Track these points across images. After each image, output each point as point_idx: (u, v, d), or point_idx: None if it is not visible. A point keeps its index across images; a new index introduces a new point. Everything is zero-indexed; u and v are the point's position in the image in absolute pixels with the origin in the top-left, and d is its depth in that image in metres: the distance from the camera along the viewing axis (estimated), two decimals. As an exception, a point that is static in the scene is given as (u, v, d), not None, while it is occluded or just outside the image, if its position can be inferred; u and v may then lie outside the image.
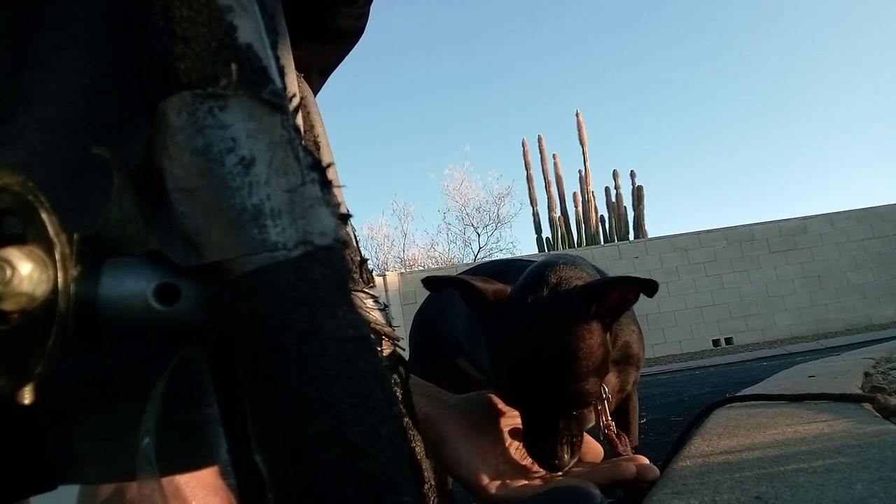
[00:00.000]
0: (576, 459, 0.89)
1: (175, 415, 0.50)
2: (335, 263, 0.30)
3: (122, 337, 0.30)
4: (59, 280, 0.28)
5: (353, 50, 0.78)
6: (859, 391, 1.77)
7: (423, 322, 1.52)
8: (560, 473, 0.86)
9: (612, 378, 1.02)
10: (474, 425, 0.85)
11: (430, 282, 0.99)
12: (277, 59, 0.33)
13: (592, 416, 0.97)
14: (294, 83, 0.60)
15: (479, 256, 18.06)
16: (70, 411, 0.48)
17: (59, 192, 0.43)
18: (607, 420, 0.98)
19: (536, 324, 0.91)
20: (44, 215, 0.28)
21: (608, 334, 0.93)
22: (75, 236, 0.29)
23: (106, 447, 0.49)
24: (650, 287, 0.87)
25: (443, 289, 1.02)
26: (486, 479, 0.80)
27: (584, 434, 0.92)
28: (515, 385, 0.91)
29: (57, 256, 0.28)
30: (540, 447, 0.89)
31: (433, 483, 0.59)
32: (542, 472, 0.85)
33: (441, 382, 1.06)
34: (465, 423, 0.84)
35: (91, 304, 0.29)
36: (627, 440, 1.02)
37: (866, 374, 2.32)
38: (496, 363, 0.95)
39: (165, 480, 0.55)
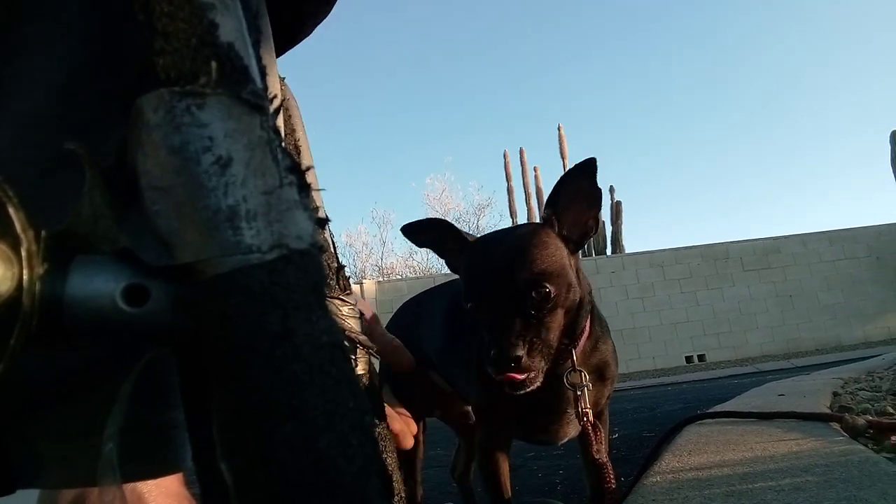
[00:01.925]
0: (536, 363, 0.90)
1: (140, 417, 0.49)
2: (310, 268, 0.30)
3: (88, 337, 0.30)
4: (24, 277, 0.27)
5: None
6: (828, 410, 1.79)
7: (395, 333, 1.52)
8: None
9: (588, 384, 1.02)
10: None
11: (408, 229, 1.07)
12: (259, 58, 0.33)
13: (557, 326, 0.97)
14: (276, 84, 0.59)
15: (457, 267, 18.06)
16: (32, 411, 0.47)
17: (30, 189, 0.41)
18: (586, 407, 0.97)
19: (503, 234, 1.06)
20: (11, 210, 0.27)
21: (581, 279, 1.08)
22: (43, 233, 0.28)
23: (68, 449, 0.48)
24: (588, 164, 1.00)
25: (422, 237, 1.09)
26: None
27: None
28: (477, 284, 0.99)
29: (23, 253, 0.27)
30: (495, 350, 0.90)
31: (403, 495, 0.59)
32: None
33: (412, 394, 1.06)
34: None
35: (57, 302, 0.28)
36: (603, 435, 1.01)
37: (835, 394, 2.36)
38: (465, 275, 1.03)
39: (128, 488, 0.54)
